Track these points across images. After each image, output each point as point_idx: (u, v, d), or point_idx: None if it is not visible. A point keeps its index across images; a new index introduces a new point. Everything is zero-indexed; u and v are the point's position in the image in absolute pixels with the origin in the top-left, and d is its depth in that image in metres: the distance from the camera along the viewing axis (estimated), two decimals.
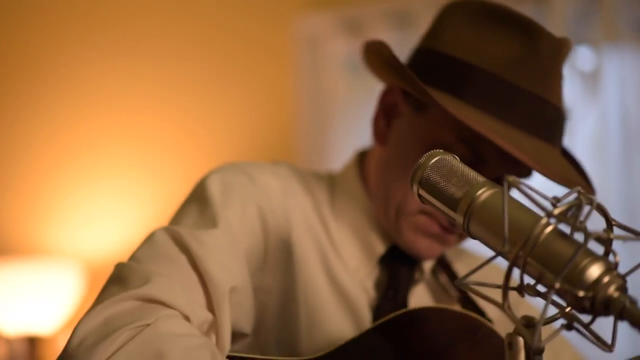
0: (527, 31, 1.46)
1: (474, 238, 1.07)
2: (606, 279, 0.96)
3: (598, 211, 1.01)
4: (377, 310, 1.52)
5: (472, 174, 1.09)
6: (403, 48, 1.75)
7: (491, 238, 1.04)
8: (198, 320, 1.29)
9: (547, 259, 0.98)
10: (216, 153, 3.63)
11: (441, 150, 1.12)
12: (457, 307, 1.54)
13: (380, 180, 1.56)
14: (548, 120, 1.46)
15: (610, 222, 1.01)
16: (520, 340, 1.01)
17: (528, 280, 1.02)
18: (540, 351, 1.00)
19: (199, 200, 1.46)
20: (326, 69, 3.52)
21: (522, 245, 0.98)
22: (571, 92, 3.13)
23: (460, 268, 1.64)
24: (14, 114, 3.81)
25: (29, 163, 3.77)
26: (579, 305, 0.97)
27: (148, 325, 1.21)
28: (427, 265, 1.61)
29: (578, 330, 1.01)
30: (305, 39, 3.50)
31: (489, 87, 1.44)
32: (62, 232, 3.69)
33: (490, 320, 1.49)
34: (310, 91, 3.58)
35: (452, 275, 1.62)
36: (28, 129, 3.78)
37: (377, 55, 1.54)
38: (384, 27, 3.32)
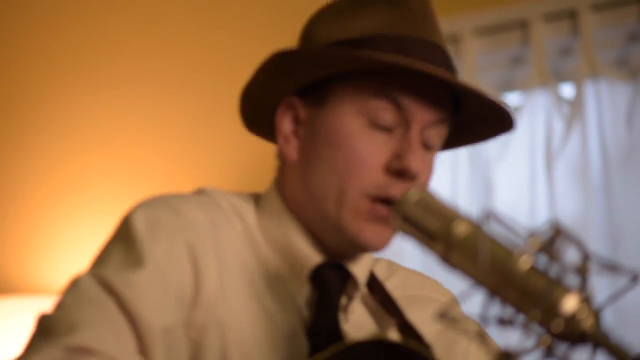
0: (390, 1, 1.49)
1: (454, 269, 1.10)
2: (581, 310, 0.99)
3: (573, 244, 1.04)
4: (312, 334, 1.45)
5: (450, 210, 1.12)
6: None
7: (470, 271, 1.07)
8: None
9: (524, 292, 1.02)
10: (207, 181, 3.63)
11: (422, 189, 1.16)
12: (394, 336, 1.51)
13: (310, 190, 1.49)
14: (440, 59, 1.47)
15: (586, 254, 1.05)
16: None
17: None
18: None
19: (123, 238, 1.40)
20: None
21: (500, 278, 1.02)
22: (552, 124, 3.17)
23: (391, 288, 1.60)
24: (6, 153, 3.83)
25: (23, 200, 3.78)
26: (555, 335, 1.01)
27: None
28: (361, 275, 1.54)
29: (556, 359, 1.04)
30: None
31: (379, 44, 1.45)
32: (57, 269, 3.68)
33: (429, 347, 1.48)
34: None
35: (386, 296, 1.57)
36: (22, 166, 3.79)
37: (292, 62, 1.52)
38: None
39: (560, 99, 3.19)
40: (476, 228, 1.08)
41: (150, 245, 1.37)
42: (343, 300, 1.51)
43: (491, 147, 3.26)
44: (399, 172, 1.43)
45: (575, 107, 3.15)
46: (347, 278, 1.51)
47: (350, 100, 1.47)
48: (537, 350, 1.03)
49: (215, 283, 1.41)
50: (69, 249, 3.70)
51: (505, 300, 1.03)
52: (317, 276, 1.49)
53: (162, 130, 3.73)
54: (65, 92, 3.79)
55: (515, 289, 1.02)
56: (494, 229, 1.08)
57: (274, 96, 1.55)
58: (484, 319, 1.03)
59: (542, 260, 1.04)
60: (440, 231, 1.10)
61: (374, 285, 1.58)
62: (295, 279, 1.50)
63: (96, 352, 1.23)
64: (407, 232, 1.15)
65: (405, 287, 1.63)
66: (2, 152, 3.83)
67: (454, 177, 3.29)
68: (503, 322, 1.04)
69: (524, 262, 1.02)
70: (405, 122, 1.46)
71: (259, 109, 1.59)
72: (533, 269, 1.03)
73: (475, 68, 3.26)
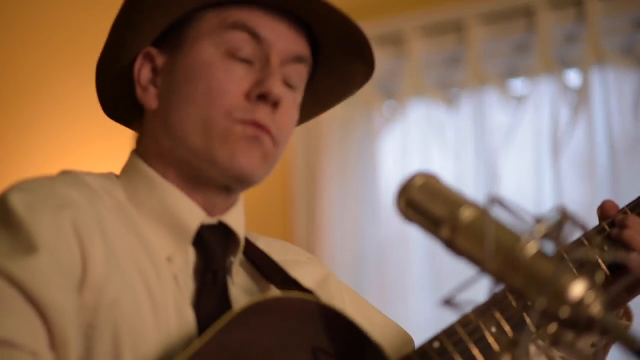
0: None
1: (459, 257, 1.09)
2: (589, 297, 0.98)
3: (580, 229, 1.03)
4: (199, 301, 1.43)
5: (455, 195, 1.10)
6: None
7: (475, 257, 1.06)
8: (44, 357, 1.24)
9: (530, 278, 1.00)
10: None
11: (427, 173, 1.14)
12: (277, 291, 1.50)
13: (173, 131, 1.46)
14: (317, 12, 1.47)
15: (593, 240, 1.03)
16: (506, 358, 1.02)
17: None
18: None
19: (5, 223, 1.33)
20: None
21: (505, 264, 1.00)
22: (559, 113, 3.16)
23: (263, 246, 1.59)
24: (7, 143, 3.82)
25: None
26: (562, 323, 0.99)
27: None
28: (240, 231, 1.51)
29: (563, 346, 1.02)
30: None
31: None
32: None
33: (309, 291, 1.49)
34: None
35: (265, 257, 1.56)
36: (23, 157, 3.78)
37: (108, 61, 1.51)
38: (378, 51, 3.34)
39: (566, 87, 3.17)
40: (482, 213, 1.06)
41: (35, 226, 1.31)
42: (228, 261, 1.49)
43: (496, 136, 3.24)
44: (261, 96, 1.43)
45: (582, 95, 3.14)
46: (229, 236, 1.49)
47: (208, 35, 1.46)
48: (544, 337, 1.01)
49: (102, 262, 1.36)
50: None
51: (511, 286, 1.02)
52: (201, 241, 1.46)
53: None
54: (68, 83, 3.78)
55: (521, 274, 1.01)
56: (500, 215, 1.06)
57: (131, 57, 1.52)
58: (489, 305, 1.02)
59: (549, 247, 1.03)
60: (445, 216, 1.08)
61: (249, 247, 1.56)
62: (178, 243, 1.45)
63: (18, 346, 1.22)
64: (411, 218, 1.13)
65: (272, 253, 1.60)
66: (3, 142, 3.82)
67: (458, 165, 3.27)
68: (511, 308, 1.03)
69: (531, 248, 1.01)
70: (264, 55, 1.46)
71: (116, 84, 1.55)
72: (540, 255, 1.01)
73: (480, 55, 3.24)
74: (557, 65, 3.18)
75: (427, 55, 3.35)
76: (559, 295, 0.98)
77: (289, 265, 1.58)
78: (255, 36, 1.45)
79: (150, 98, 1.50)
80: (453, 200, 1.10)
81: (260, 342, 1.37)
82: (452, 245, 1.08)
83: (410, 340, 1.64)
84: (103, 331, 1.34)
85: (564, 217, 1.02)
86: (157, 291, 1.40)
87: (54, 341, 1.26)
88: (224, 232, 1.49)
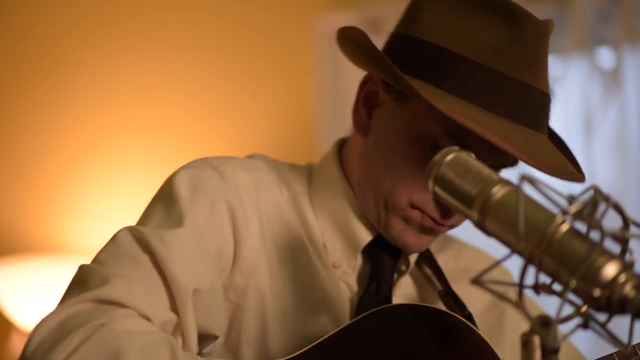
0: (510, 16, 1.41)
1: (489, 235, 1.06)
2: (622, 277, 0.95)
3: (614, 209, 1.00)
4: (359, 306, 1.48)
5: (487, 171, 1.08)
6: None
7: (506, 236, 1.03)
8: (159, 320, 1.28)
9: (563, 257, 0.98)
10: (237, 145, 3.63)
11: (456, 147, 1.12)
12: (432, 305, 1.51)
13: (364, 173, 1.49)
14: (535, 107, 1.42)
15: (627, 221, 1.01)
16: (536, 339, 1.00)
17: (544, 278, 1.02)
18: (556, 350, 0.99)
19: (165, 198, 1.42)
20: (348, 66, 3.51)
21: (538, 243, 0.98)
22: (591, 92, 3.12)
23: (443, 260, 1.61)
24: (28, 111, 3.81)
25: (45, 160, 3.77)
26: (594, 304, 0.97)
27: (103, 325, 1.21)
28: (413, 255, 1.56)
29: (594, 329, 1.00)
30: (327, 36, 3.51)
31: (472, 76, 1.38)
32: (78, 228, 3.69)
33: (469, 316, 1.48)
34: (331, 88, 3.59)
35: (436, 267, 1.58)
36: (43, 125, 3.78)
37: (353, 44, 1.48)
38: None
39: (598, 66, 3.13)
40: (514, 189, 1.04)
41: (190, 206, 1.39)
42: (394, 276, 1.53)
43: None
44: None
45: (614, 74, 3.10)
46: (399, 256, 1.53)
47: (429, 121, 1.42)
48: (576, 319, 0.99)
49: (256, 247, 1.43)
50: (92, 208, 3.70)
51: (542, 266, 1.00)
52: (371, 252, 1.51)
53: (189, 90, 3.73)
54: (95, 50, 3.76)
55: (553, 254, 0.98)
56: (532, 194, 1.04)
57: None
58: (520, 285, 0.99)
59: (582, 226, 1.00)
60: (476, 193, 1.06)
61: (424, 255, 1.58)
62: (347, 250, 1.50)
63: (125, 305, 1.25)
64: (440, 194, 1.11)
65: (459, 259, 1.63)
66: (28, 107, 3.81)
67: None
68: (540, 289, 1.01)
69: (564, 226, 0.98)
70: None
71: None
72: (573, 234, 0.99)
73: None
74: (589, 43, 3.13)
75: None
76: (592, 275, 0.96)
77: (469, 273, 1.59)
78: (464, 146, 1.41)
79: (359, 124, 1.51)
80: (484, 177, 1.07)
81: (384, 343, 1.39)
82: (482, 222, 1.06)
83: None
84: (249, 313, 1.42)
85: (597, 197, 1.00)
86: (317, 281, 1.47)
87: (174, 309, 1.31)
88: (396, 252, 1.52)
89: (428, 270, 1.58)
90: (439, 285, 1.55)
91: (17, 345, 3.41)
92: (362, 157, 1.50)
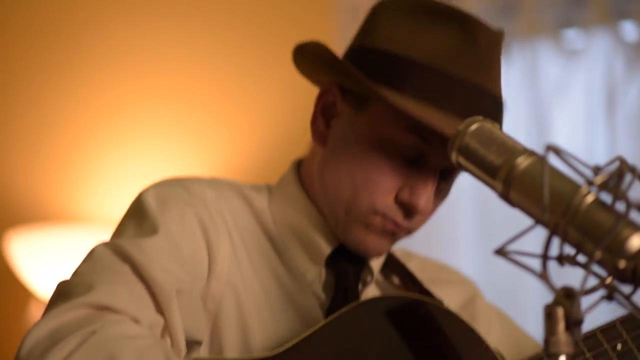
0: (463, 24, 1.46)
1: (514, 206, 1.05)
2: None
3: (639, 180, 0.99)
4: (329, 313, 1.49)
5: (511, 141, 1.07)
6: None
7: (531, 206, 1.02)
8: (147, 322, 1.29)
9: (588, 229, 0.97)
10: (256, 113, 3.63)
11: (480, 117, 1.11)
12: (400, 292, 1.54)
13: (324, 182, 1.52)
14: (488, 109, 1.46)
15: None
16: (560, 311, 0.99)
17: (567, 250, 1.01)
18: (580, 322, 0.98)
19: (136, 213, 1.45)
20: None
21: (562, 214, 0.97)
22: (614, 65, 3.09)
23: (414, 267, 1.63)
24: (45, 80, 3.81)
25: (61, 128, 3.76)
26: (619, 275, 0.96)
27: (96, 330, 1.21)
28: (376, 264, 1.58)
29: (618, 301, 0.99)
30: (347, 10, 3.49)
31: (428, 80, 1.44)
32: (95, 197, 3.70)
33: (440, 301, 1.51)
34: None
35: (407, 274, 1.61)
36: (59, 94, 3.77)
37: (312, 55, 1.53)
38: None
39: (621, 40, 3.10)
40: (539, 160, 1.02)
41: (162, 216, 1.42)
42: (359, 286, 1.55)
43: (547, 88, 3.18)
44: (406, 205, 1.46)
45: (637, 47, 3.07)
46: (363, 267, 1.55)
47: (389, 124, 1.46)
48: (600, 290, 0.98)
49: (228, 254, 1.46)
50: (109, 177, 3.70)
51: (567, 237, 0.98)
52: (333, 263, 1.53)
53: (207, 60, 3.72)
54: (114, 20, 3.75)
55: (578, 225, 0.97)
56: (557, 165, 1.03)
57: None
58: (544, 257, 0.98)
59: (607, 197, 0.99)
60: (500, 163, 1.05)
61: (391, 265, 1.61)
62: (309, 262, 1.53)
63: (114, 309, 1.26)
64: (464, 164, 1.09)
65: (425, 271, 1.65)
66: (44, 77, 3.81)
67: (509, 118, 3.22)
68: (564, 260, 1.00)
69: (589, 197, 0.97)
70: (427, 160, 1.46)
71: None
72: (598, 205, 0.98)
73: (534, 4, 3.17)
74: (613, 17, 3.10)
75: (480, 4, 3.28)
76: (617, 246, 0.95)
77: (436, 283, 1.63)
78: (427, 144, 1.45)
79: (318, 134, 1.54)
80: (508, 147, 1.06)
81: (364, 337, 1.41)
82: (506, 194, 1.04)
83: None
84: (228, 322, 1.45)
85: (623, 168, 0.99)
86: (286, 286, 1.50)
87: (160, 314, 1.32)
88: (359, 263, 1.54)
89: (396, 280, 1.61)
90: (409, 289, 1.59)
91: (35, 313, 3.43)
92: (322, 166, 1.53)
